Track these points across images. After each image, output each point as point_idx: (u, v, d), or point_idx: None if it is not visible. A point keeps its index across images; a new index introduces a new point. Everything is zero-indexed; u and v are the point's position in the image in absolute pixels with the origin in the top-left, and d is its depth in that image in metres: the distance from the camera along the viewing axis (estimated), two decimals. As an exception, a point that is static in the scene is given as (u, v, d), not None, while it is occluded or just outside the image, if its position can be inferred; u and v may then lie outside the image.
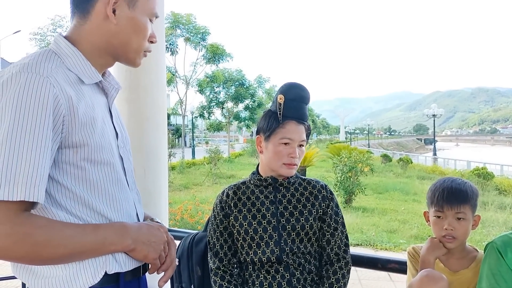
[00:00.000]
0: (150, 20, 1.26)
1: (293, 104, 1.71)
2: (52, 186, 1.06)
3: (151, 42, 1.29)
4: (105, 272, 1.09)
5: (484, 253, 1.56)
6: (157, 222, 1.34)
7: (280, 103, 1.72)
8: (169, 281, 2.13)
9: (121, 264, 1.13)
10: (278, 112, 1.71)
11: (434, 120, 33.93)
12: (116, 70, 2.67)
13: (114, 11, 1.18)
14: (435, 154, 31.97)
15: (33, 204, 0.99)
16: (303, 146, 1.74)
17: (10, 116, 0.96)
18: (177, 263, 1.27)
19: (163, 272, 1.24)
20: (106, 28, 1.18)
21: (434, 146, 33.05)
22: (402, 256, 2.25)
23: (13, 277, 2.50)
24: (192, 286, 1.99)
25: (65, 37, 1.18)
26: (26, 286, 1.09)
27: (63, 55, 1.14)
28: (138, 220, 1.28)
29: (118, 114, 1.36)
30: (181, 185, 16.66)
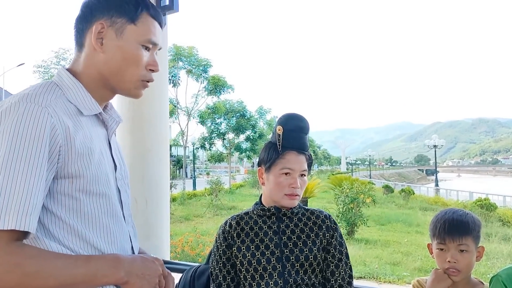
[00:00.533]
0: (147, 48, 1.22)
1: (292, 135, 1.73)
2: (46, 216, 1.05)
3: (151, 70, 1.25)
4: None
5: (490, 286, 1.54)
6: (152, 256, 1.29)
7: (279, 134, 1.73)
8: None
9: None
10: (278, 143, 1.73)
11: (435, 151, 33.94)
12: (119, 101, 2.71)
13: (102, 41, 1.17)
14: (437, 185, 31.86)
15: (25, 234, 0.98)
16: (304, 176, 1.74)
17: (6, 145, 0.96)
18: None
19: None
20: (96, 58, 1.18)
21: (436, 176, 33.00)
22: (406, 289, 2.20)
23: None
24: (194, 320, 1.96)
25: (68, 70, 1.20)
26: None
27: (64, 87, 1.15)
28: (133, 252, 1.26)
29: (118, 147, 1.35)
30: (182, 217, 16.54)
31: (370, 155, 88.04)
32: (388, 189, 28.49)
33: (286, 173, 1.70)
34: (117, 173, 1.24)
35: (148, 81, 1.26)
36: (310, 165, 1.78)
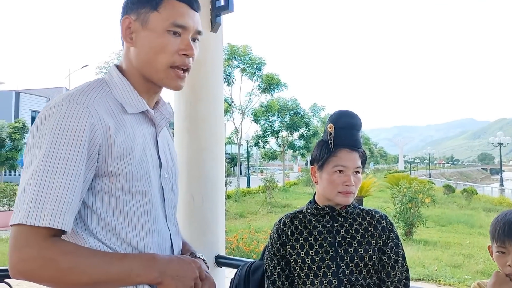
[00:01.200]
0: (175, 33, 1.16)
1: (343, 132, 1.71)
2: (86, 213, 1.07)
3: (185, 55, 1.17)
4: None
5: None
6: (199, 257, 1.29)
7: (330, 132, 1.73)
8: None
9: None
10: (329, 141, 1.72)
11: (500, 149, 32.15)
12: (176, 100, 2.81)
13: (131, 35, 1.17)
14: (502, 184, 30.18)
15: (61, 231, 1.00)
16: (359, 173, 1.72)
17: (47, 144, 0.99)
18: None
19: None
20: (130, 53, 1.19)
21: (501, 176, 31.26)
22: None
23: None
24: (249, 315, 1.99)
25: (117, 67, 1.22)
26: None
27: (112, 84, 1.16)
28: (173, 253, 1.24)
29: (169, 145, 1.33)
30: (237, 214, 16.77)
31: (429, 153, 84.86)
32: (449, 188, 27.32)
33: (339, 171, 1.70)
34: (162, 171, 1.23)
35: (182, 68, 1.18)
36: (364, 162, 1.76)
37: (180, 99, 2.74)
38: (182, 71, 1.19)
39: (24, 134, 17.41)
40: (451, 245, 11.14)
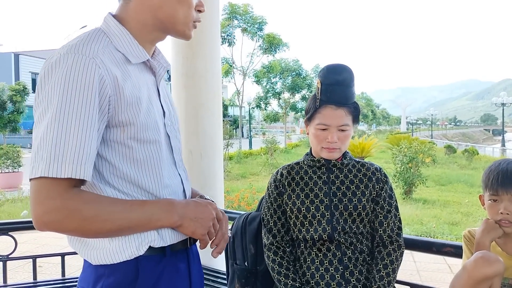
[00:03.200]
0: None
1: (329, 89, 1.68)
2: (101, 163, 1.09)
3: (199, 11, 1.25)
4: (150, 246, 1.12)
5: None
6: (206, 199, 1.35)
7: (318, 87, 1.72)
8: (224, 258, 2.22)
9: (166, 239, 1.15)
10: (316, 97, 1.71)
11: (503, 110, 32.00)
12: (173, 57, 2.79)
13: None
14: (503, 145, 30.21)
15: (81, 181, 1.03)
16: (345, 130, 1.70)
17: (58, 97, 0.99)
18: (229, 235, 1.29)
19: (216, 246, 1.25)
20: (150, 2, 1.17)
21: (503, 137, 31.25)
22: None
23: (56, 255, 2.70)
24: (246, 263, 2.06)
25: (114, 16, 1.19)
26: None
27: (111, 34, 1.15)
28: (185, 197, 1.29)
29: (167, 93, 1.35)
30: (239, 175, 16.94)
31: (432, 115, 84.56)
32: (450, 149, 27.40)
33: (322, 129, 1.69)
34: (166, 119, 1.25)
35: (196, 22, 1.26)
36: (356, 117, 1.75)
37: (177, 55, 2.73)
38: (196, 24, 1.27)
39: (25, 96, 17.35)
40: (450, 203, 11.28)
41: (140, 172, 1.13)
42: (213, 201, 1.33)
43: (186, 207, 1.16)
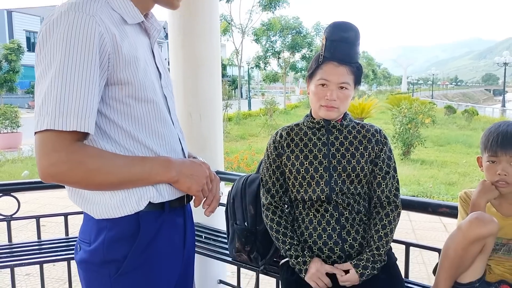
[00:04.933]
0: None
1: (333, 45, 1.67)
2: (102, 120, 1.12)
3: None
4: (149, 202, 1.18)
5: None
6: (200, 160, 1.39)
7: (323, 43, 1.70)
8: (224, 218, 2.27)
9: (164, 195, 1.20)
10: (320, 53, 1.71)
11: (505, 69, 31.75)
12: (170, 16, 2.73)
13: None
14: (503, 105, 30.14)
15: (84, 135, 1.06)
16: (345, 88, 1.69)
17: (60, 53, 1.01)
18: (221, 195, 1.33)
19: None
20: None
21: (504, 97, 31.12)
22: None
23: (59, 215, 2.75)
24: (246, 224, 2.10)
25: None
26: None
27: None
28: (184, 154, 1.34)
29: (161, 56, 1.37)
30: (238, 136, 16.98)
31: (433, 74, 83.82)
32: (450, 109, 27.34)
33: (322, 84, 1.69)
34: (162, 81, 1.29)
35: None
36: (358, 77, 1.74)
37: (174, 13, 2.66)
38: None
39: (20, 55, 17.10)
40: (448, 164, 11.37)
41: (139, 130, 1.17)
42: (205, 162, 1.37)
43: (182, 164, 1.22)
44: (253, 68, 31.08)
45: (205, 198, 1.28)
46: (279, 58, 29.03)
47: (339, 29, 1.69)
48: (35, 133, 1.03)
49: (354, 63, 1.70)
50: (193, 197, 1.28)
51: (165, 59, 1.50)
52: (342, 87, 1.69)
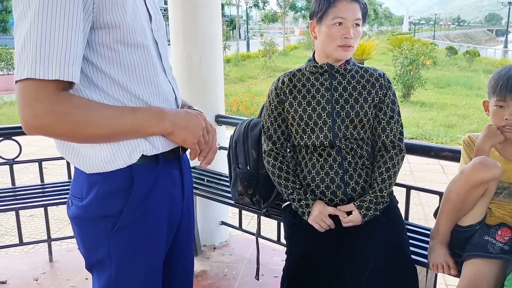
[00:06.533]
0: None
1: None
2: (88, 68, 1.04)
3: None
4: (142, 154, 1.12)
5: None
6: (195, 110, 1.32)
7: None
8: (226, 161, 2.28)
9: (158, 146, 1.14)
10: None
11: (509, 8, 30.86)
12: (168, -47, 2.59)
13: None
14: (506, 46, 29.63)
15: (70, 85, 0.98)
16: (358, 26, 1.67)
17: None
18: (217, 146, 1.27)
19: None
20: None
21: (506, 37, 30.52)
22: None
23: (60, 158, 2.77)
24: (248, 167, 2.11)
25: None
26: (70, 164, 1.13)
27: None
28: (177, 104, 1.27)
29: None
30: (236, 78, 16.79)
31: (436, 14, 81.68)
32: (451, 50, 26.91)
33: (338, 23, 1.64)
34: (152, 24, 1.19)
35: None
36: (364, 15, 1.70)
37: (172, -51, 2.53)
38: None
39: (12, -6, 16.54)
40: (447, 106, 11.36)
41: (129, 78, 1.09)
42: (202, 112, 1.31)
43: (177, 115, 1.14)
44: (251, 7, 30.20)
45: (202, 148, 1.21)
46: (278, -4, 28.10)
47: None
48: (16, 82, 0.95)
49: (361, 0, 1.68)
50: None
51: None
52: (356, 24, 1.66)
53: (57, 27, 0.93)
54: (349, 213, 1.68)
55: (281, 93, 1.79)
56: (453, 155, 1.90)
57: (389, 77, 1.81)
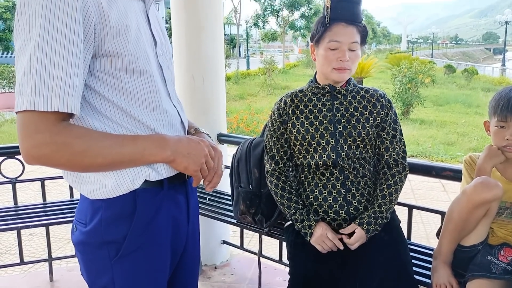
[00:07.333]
0: None
1: (339, 5, 1.66)
2: (90, 94, 1.05)
3: None
4: (145, 180, 1.11)
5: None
6: (202, 132, 1.33)
7: (327, 6, 1.68)
8: (229, 181, 2.29)
9: (161, 172, 1.14)
10: (326, 15, 1.68)
11: (506, 28, 31.25)
12: (172, -24, 2.65)
13: None
14: (503, 64, 29.87)
15: (70, 114, 0.98)
16: (355, 50, 1.69)
17: (40, 26, 0.93)
18: (223, 170, 1.26)
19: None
20: None
21: (504, 56, 30.78)
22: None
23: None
24: (250, 186, 2.13)
25: None
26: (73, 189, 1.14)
27: None
28: (183, 127, 1.26)
29: (159, 20, 1.27)
30: (237, 96, 16.88)
31: (433, 33, 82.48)
32: (450, 69, 27.09)
33: (334, 48, 1.67)
34: (157, 49, 1.19)
35: None
36: (364, 38, 1.72)
37: (175, -27, 2.59)
38: None
39: (16, 13, 16.79)
40: (447, 124, 11.39)
41: (132, 104, 1.09)
42: (208, 134, 1.31)
43: (178, 142, 1.13)
44: (251, 27, 30.53)
45: (206, 175, 1.20)
46: (278, 16, 28.47)
47: None
48: (16, 112, 0.95)
49: (360, 22, 1.70)
50: None
51: (162, 17, 1.38)
52: (352, 48, 1.68)
53: (57, 58, 0.93)
54: (351, 234, 1.68)
55: (284, 114, 1.81)
56: (455, 175, 1.91)
57: (389, 95, 1.84)
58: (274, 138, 1.85)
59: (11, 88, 13.41)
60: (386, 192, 1.72)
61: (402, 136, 1.81)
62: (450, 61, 40.31)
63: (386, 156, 1.77)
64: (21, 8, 0.96)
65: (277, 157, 1.85)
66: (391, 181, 1.74)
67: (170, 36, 2.82)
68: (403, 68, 12.62)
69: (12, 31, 1.05)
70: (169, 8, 2.90)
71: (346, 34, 1.66)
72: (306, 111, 1.78)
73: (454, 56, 76.81)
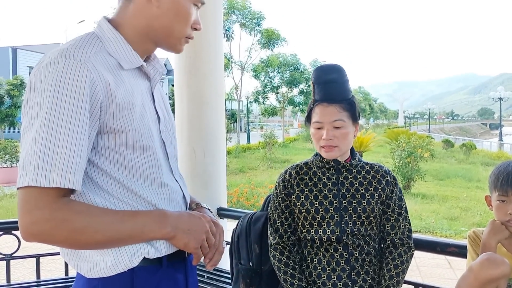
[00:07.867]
0: (196, 5, 1.21)
1: (320, 88, 1.73)
2: (93, 170, 1.06)
3: (195, 29, 1.23)
4: (144, 257, 1.10)
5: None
6: (204, 207, 1.33)
7: (312, 88, 1.77)
8: (228, 258, 2.23)
9: (161, 249, 1.12)
10: (312, 98, 1.77)
11: (500, 104, 32.08)
12: (176, 56, 2.77)
13: None
14: (501, 139, 30.30)
15: (71, 190, 0.99)
16: (340, 127, 1.69)
17: (47, 103, 0.96)
18: (224, 247, 1.25)
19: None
20: (148, 11, 1.14)
21: (500, 131, 31.32)
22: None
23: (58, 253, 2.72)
24: (250, 263, 2.06)
25: (109, 20, 1.16)
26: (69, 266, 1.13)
27: (105, 39, 1.12)
28: (185, 202, 1.27)
29: (163, 98, 1.31)
30: (237, 169, 16.95)
31: (429, 109, 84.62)
32: (448, 143, 27.45)
33: (318, 127, 1.72)
34: (161, 125, 1.22)
35: (189, 38, 1.24)
36: (353, 113, 1.74)
37: (181, 54, 2.71)
38: (189, 40, 1.25)
39: (23, 91, 17.42)
40: (449, 198, 11.32)
41: (133, 179, 1.10)
42: (209, 209, 1.31)
43: (179, 219, 1.13)
44: (252, 102, 31.42)
45: (206, 252, 1.18)
46: (277, 93, 29.39)
47: (323, 73, 1.76)
48: (18, 188, 0.96)
49: (345, 99, 1.72)
50: None
51: (166, 94, 1.45)
52: (336, 125, 1.69)
53: (62, 135, 0.95)
54: None
55: (288, 186, 1.81)
56: (460, 251, 1.87)
57: (389, 169, 1.84)
58: (279, 210, 1.83)
59: (13, 163, 13.52)
60: (393, 272, 1.67)
61: (408, 215, 1.79)
62: (448, 136, 40.95)
63: (392, 235, 1.74)
64: (31, 86, 1.00)
65: (281, 230, 1.82)
66: (398, 261, 1.69)
67: (173, 111, 2.91)
68: (401, 142, 12.81)
69: (18, 107, 1.09)
70: (173, 86, 3.01)
71: (327, 114, 1.70)
72: (311, 184, 1.78)
73: (451, 131, 78.22)
